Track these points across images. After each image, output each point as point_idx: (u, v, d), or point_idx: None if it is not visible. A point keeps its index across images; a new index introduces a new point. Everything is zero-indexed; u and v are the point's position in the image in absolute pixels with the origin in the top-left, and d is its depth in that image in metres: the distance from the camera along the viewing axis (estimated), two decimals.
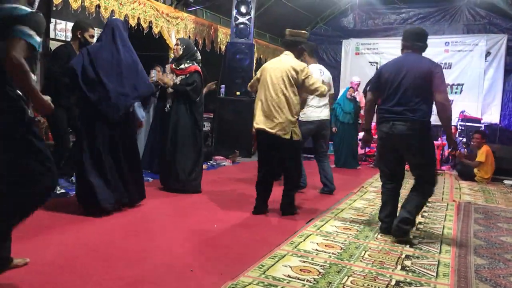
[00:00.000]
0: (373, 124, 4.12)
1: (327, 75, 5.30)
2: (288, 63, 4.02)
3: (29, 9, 2.26)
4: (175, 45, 4.99)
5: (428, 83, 3.43)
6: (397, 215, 3.59)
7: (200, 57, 5.02)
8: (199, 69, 4.87)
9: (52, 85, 4.34)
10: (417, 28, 4.01)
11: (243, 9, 8.24)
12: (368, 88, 3.66)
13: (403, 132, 3.46)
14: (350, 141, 7.97)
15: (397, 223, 3.49)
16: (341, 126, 7.92)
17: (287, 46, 4.21)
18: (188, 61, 4.85)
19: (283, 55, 4.17)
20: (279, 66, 4.02)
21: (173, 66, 4.96)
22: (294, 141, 4.02)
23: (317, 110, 5.17)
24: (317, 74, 5.06)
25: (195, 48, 5.05)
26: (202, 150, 5.03)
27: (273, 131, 3.95)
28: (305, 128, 4.88)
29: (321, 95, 4.19)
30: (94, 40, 4.50)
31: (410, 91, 3.46)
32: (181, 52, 4.85)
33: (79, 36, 4.48)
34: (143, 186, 4.11)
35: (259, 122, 4.03)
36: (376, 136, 3.95)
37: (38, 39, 2.23)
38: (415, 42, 3.61)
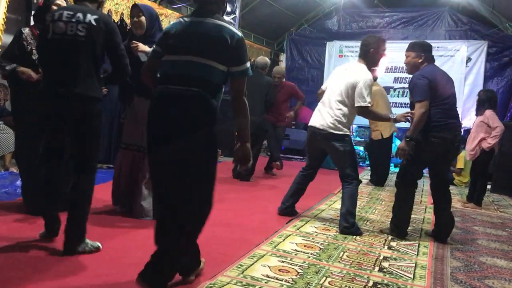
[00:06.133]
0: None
1: None
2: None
3: (238, 32, 2.29)
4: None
5: None
6: (444, 224, 3.82)
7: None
8: None
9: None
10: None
11: (228, 8, 8.16)
12: (418, 97, 3.59)
13: (459, 137, 3.78)
14: None
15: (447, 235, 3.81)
16: None
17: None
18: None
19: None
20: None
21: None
22: None
23: None
24: None
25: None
26: None
27: None
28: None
29: None
30: None
31: (455, 100, 3.80)
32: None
33: None
34: None
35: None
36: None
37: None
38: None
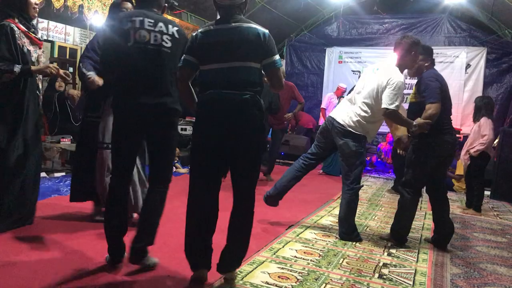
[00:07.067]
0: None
1: None
2: None
3: (264, 29, 2.51)
4: None
5: None
6: (442, 229, 3.83)
7: None
8: None
9: None
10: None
11: None
12: (432, 99, 3.51)
13: (457, 139, 3.86)
14: None
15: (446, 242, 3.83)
16: None
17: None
18: None
19: None
20: None
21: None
22: None
23: None
24: None
25: None
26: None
27: None
28: None
29: None
30: None
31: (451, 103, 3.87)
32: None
33: None
34: None
35: None
36: None
37: None
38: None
